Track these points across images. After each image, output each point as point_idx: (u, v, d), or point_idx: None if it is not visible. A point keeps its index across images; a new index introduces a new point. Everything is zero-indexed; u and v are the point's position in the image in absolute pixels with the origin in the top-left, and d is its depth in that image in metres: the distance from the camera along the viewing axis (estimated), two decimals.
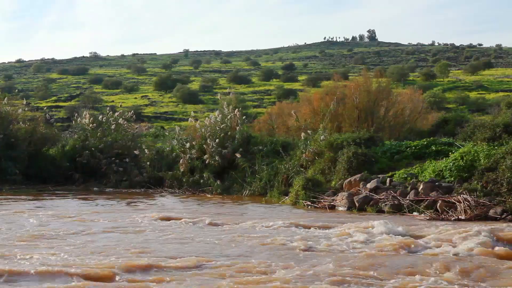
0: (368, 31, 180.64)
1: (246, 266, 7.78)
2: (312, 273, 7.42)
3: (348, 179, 15.59)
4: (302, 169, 17.78)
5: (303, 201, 15.43)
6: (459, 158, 14.19)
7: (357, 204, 14.34)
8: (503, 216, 12.00)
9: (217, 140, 20.50)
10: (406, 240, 9.55)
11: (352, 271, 7.53)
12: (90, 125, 23.81)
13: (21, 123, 23.27)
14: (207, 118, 22.24)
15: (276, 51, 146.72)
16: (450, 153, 15.11)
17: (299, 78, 79.03)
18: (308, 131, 19.53)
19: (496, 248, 8.97)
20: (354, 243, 9.50)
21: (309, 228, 11.15)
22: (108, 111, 25.25)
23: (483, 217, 12.08)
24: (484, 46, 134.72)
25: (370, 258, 8.40)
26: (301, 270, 7.57)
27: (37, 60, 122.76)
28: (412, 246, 9.19)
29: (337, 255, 8.61)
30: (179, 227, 11.45)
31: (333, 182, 16.04)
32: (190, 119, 23.33)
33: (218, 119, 21.47)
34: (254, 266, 7.79)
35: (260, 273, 7.47)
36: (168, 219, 12.46)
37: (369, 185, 14.78)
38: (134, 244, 9.40)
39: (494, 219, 11.96)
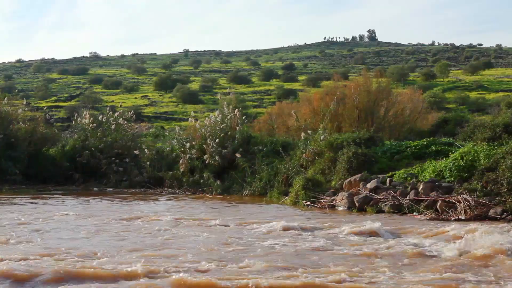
0: (368, 31, 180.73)
1: None
2: None
3: (348, 179, 15.57)
4: (302, 169, 17.76)
5: (303, 201, 15.41)
6: (459, 158, 14.18)
7: (357, 204, 14.32)
8: (503, 216, 11.98)
9: (217, 140, 20.49)
10: None
11: None
12: (90, 125, 23.82)
13: (21, 123, 23.28)
14: (207, 118, 22.23)
15: (276, 51, 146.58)
16: (450, 153, 15.10)
17: (299, 78, 78.96)
18: (308, 131, 19.51)
19: None
20: None
21: None
22: (108, 111, 25.26)
23: (483, 217, 12.07)
24: (484, 46, 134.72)
25: None
26: None
27: (37, 60, 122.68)
28: None
29: None
30: None
31: (333, 182, 16.02)
32: (190, 119, 23.32)
33: (218, 119, 21.46)
34: None
35: None
36: None
37: (369, 185, 14.77)
38: None
39: (494, 219, 11.94)
